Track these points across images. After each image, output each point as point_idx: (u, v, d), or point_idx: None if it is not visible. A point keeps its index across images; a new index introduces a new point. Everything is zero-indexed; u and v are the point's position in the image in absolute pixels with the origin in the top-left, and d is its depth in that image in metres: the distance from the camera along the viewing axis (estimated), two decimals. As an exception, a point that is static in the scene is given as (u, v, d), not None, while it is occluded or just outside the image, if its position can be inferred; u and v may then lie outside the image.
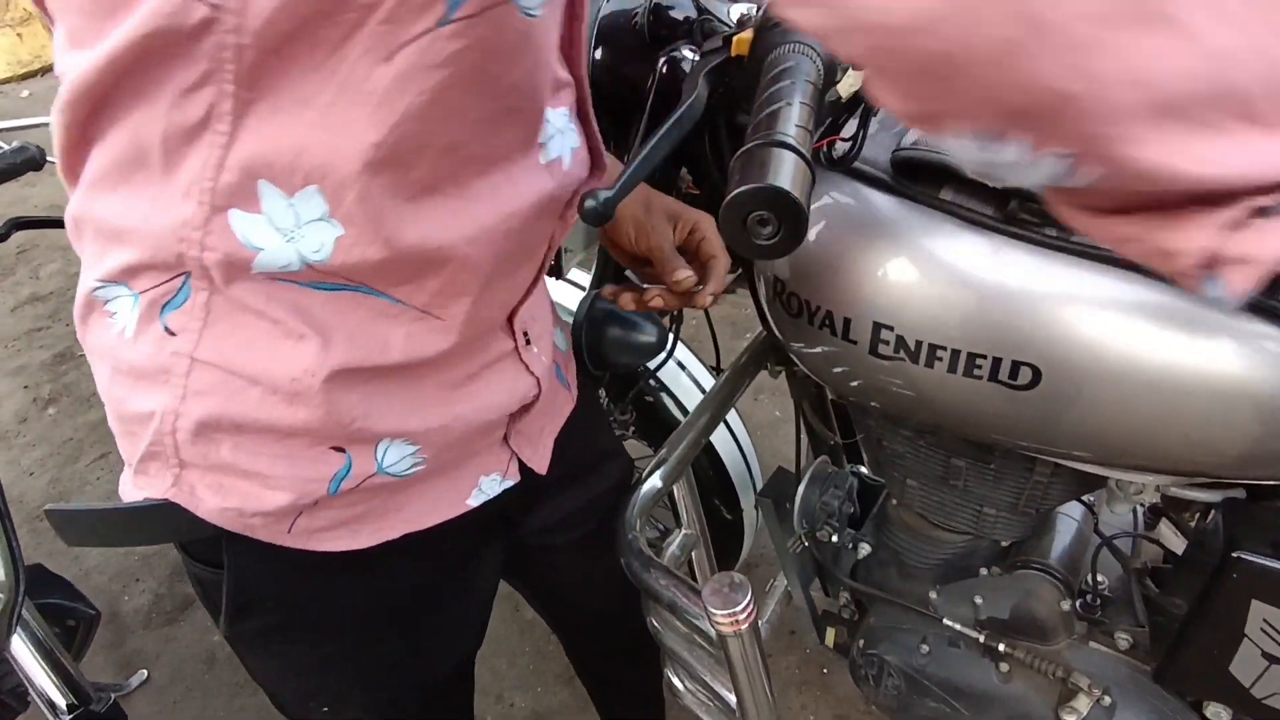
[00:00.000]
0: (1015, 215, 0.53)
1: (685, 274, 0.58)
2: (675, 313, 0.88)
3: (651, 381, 1.07)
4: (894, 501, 0.90)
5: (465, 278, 0.44)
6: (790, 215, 0.32)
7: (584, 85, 0.49)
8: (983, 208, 0.54)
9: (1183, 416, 0.53)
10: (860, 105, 0.50)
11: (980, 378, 0.56)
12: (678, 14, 0.68)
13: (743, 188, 0.32)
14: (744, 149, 0.34)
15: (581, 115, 0.51)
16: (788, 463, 0.99)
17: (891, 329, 0.58)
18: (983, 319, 0.54)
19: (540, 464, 0.62)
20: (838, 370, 0.65)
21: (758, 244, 0.33)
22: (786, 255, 0.34)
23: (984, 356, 0.55)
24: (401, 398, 0.48)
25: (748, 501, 1.17)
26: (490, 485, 0.59)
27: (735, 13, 0.66)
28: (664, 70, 0.66)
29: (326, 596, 0.56)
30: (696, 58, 0.62)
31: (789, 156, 0.32)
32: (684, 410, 1.09)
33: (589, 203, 0.41)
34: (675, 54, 0.66)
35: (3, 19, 5.70)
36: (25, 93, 5.51)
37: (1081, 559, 0.82)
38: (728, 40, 0.50)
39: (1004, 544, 0.84)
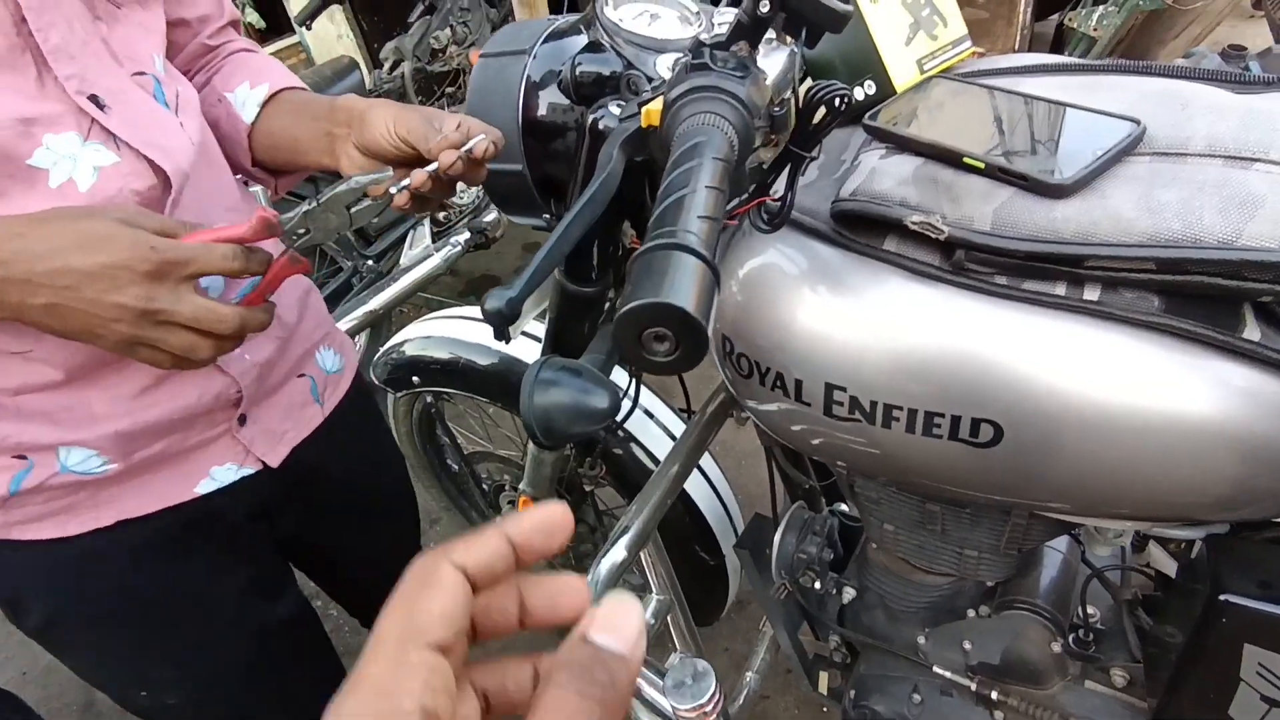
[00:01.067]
0: (962, 264, 0.50)
1: (444, 136, 0.54)
2: (636, 374, 0.85)
3: (619, 432, 1.04)
4: (874, 545, 0.87)
5: (24, 326, 0.48)
6: (689, 333, 0.29)
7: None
8: (928, 258, 0.52)
9: (1156, 463, 0.50)
10: (788, 163, 0.47)
11: (940, 436, 0.53)
12: (604, 69, 0.65)
13: (636, 302, 0.29)
14: (640, 252, 0.31)
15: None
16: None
17: (844, 390, 0.55)
18: (936, 376, 0.52)
19: (273, 459, 0.70)
20: (796, 429, 0.62)
21: (654, 361, 0.30)
22: (688, 369, 0.31)
23: (941, 415, 0.52)
24: (62, 414, 0.55)
25: (730, 545, 1.14)
26: (224, 474, 0.66)
27: (663, 66, 0.64)
28: (589, 134, 0.63)
29: (92, 587, 0.62)
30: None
31: (689, 264, 0.30)
32: (655, 460, 1.06)
33: (490, 303, 0.38)
34: (600, 115, 0.63)
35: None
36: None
37: (1070, 592, 0.79)
38: (643, 106, 0.47)
39: (990, 583, 0.81)
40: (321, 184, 1.95)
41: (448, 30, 2.26)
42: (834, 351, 0.55)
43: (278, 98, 0.70)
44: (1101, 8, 2.44)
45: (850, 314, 0.54)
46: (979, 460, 0.53)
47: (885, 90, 0.62)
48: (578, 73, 0.66)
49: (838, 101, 0.43)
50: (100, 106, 0.53)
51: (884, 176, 0.54)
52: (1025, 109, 0.53)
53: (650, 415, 1.07)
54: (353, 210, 0.56)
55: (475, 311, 1.21)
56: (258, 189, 0.81)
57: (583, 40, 0.68)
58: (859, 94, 0.64)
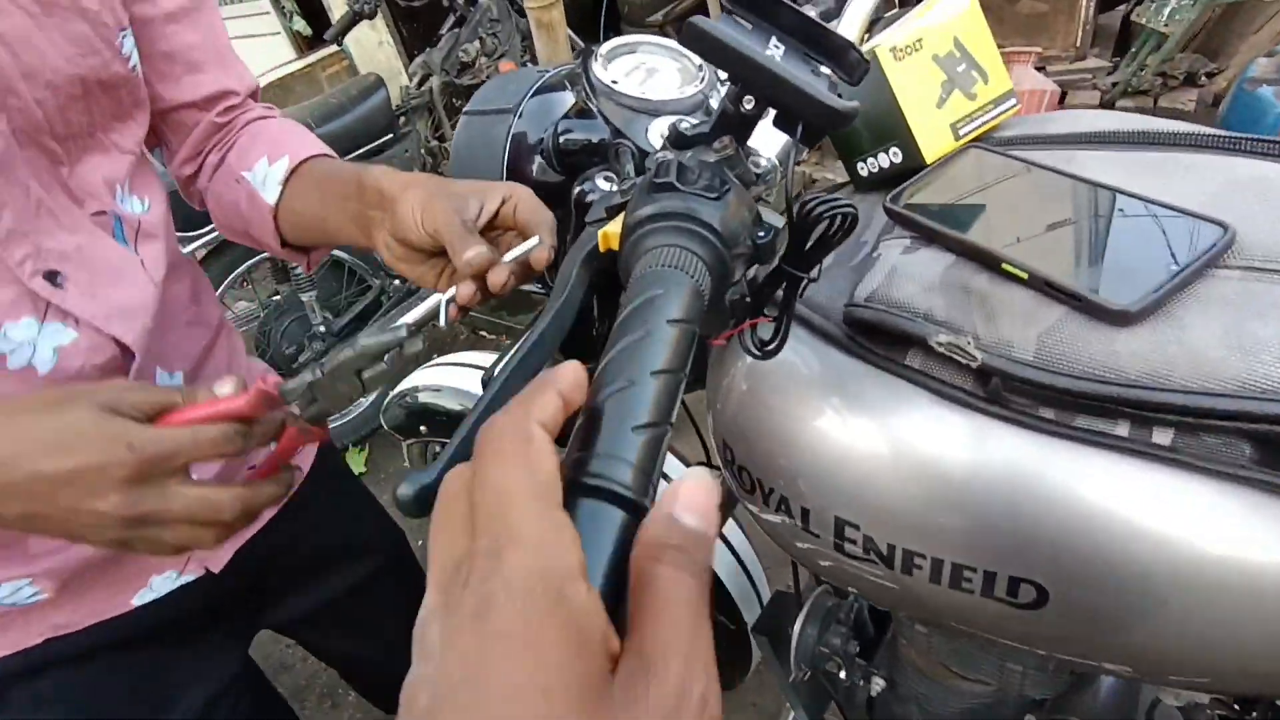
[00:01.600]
0: (999, 394, 0.41)
1: (476, 250, 0.47)
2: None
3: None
4: (904, 641, 0.78)
5: None
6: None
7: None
8: (959, 380, 0.43)
9: (1244, 628, 0.40)
10: (781, 283, 0.39)
11: (971, 592, 0.44)
12: (590, 136, 0.58)
13: None
14: (566, 491, 0.24)
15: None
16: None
17: (857, 527, 0.47)
18: (967, 521, 0.43)
19: (215, 563, 0.66)
20: (804, 550, 0.54)
21: None
22: None
23: (973, 569, 0.44)
24: None
25: (752, 611, 1.06)
26: (163, 583, 0.63)
27: (656, 133, 0.56)
28: (576, 208, 0.56)
29: (48, 696, 0.60)
30: (613, 190, 0.52)
31: (606, 521, 0.22)
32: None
33: (403, 490, 0.31)
34: (587, 189, 0.56)
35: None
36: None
37: (1133, 714, 0.69)
38: (614, 211, 0.40)
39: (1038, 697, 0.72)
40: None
41: (476, 43, 2.21)
42: (846, 480, 0.47)
43: (301, 172, 0.64)
44: (1174, 1, 2.25)
45: (866, 437, 0.46)
46: (1019, 621, 0.44)
47: (912, 160, 0.53)
48: (561, 141, 0.59)
49: (839, 220, 0.35)
50: (56, 283, 0.51)
51: (906, 280, 0.45)
52: (1081, 199, 0.44)
53: (665, 477, 1.00)
54: (365, 376, 0.46)
55: (477, 357, 1.15)
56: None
57: (570, 99, 0.61)
58: (881, 162, 0.55)
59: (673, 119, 0.57)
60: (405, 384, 1.23)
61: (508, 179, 0.63)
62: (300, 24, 4.78)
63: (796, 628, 0.81)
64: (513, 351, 0.35)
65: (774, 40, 0.38)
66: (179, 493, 0.43)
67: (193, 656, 0.68)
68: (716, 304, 0.35)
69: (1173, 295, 0.38)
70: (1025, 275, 0.41)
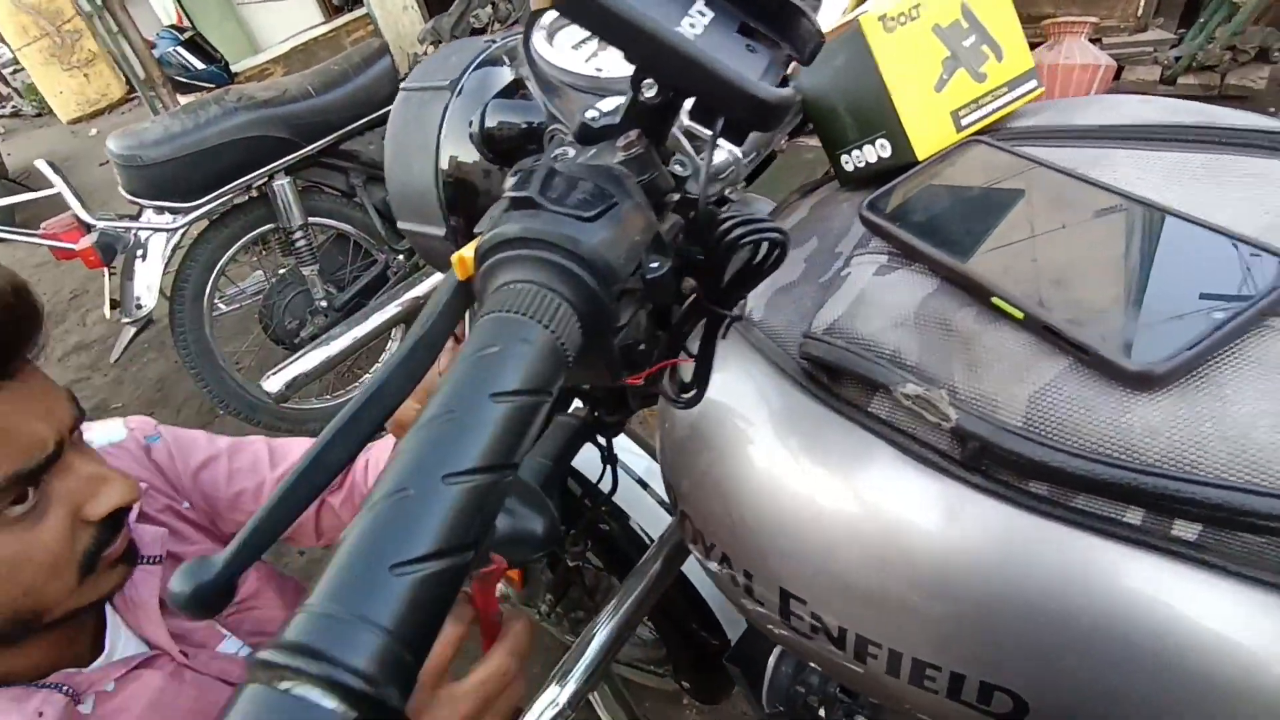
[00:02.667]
0: (978, 461, 0.33)
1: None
2: (609, 452, 0.71)
3: (604, 506, 0.90)
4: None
5: None
6: None
7: None
8: (932, 437, 0.35)
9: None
10: (701, 320, 0.31)
11: (935, 692, 0.36)
12: (521, 119, 0.49)
13: None
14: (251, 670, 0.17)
15: None
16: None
17: (804, 602, 0.39)
18: (933, 613, 0.35)
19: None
20: (752, 613, 0.46)
21: None
22: None
23: (936, 668, 0.36)
24: None
25: (736, 630, 0.99)
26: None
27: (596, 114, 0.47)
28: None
29: None
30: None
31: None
32: (650, 536, 0.91)
33: (176, 584, 0.24)
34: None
35: (69, 61, 5.96)
36: (93, 131, 5.75)
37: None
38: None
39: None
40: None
41: (489, 7, 2.11)
42: (795, 545, 0.39)
43: None
44: (1250, -33, 2.04)
45: (821, 495, 0.38)
46: (994, 729, 0.36)
47: (903, 155, 0.44)
48: (490, 124, 0.50)
49: (765, 249, 0.27)
50: None
51: (875, 308, 0.36)
52: (1104, 215, 0.34)
53: (645, 486, 0.93)
54: None
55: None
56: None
57: (508, 75, 0.53)
58: (868, 156, 0.46)
59: (617, 102, 0.48)
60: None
61: (443, 164, 0.55)
62: (328, -13, 4.72)
63: (770, 663, 0.74)
64: (350, 406, 0.28)
65: (699, 5, 0.29)
66: None
67: None
68: (599, 354, 0.27)
69: (1212, 354, 0.28)
70: (1021, 315, 0.32)
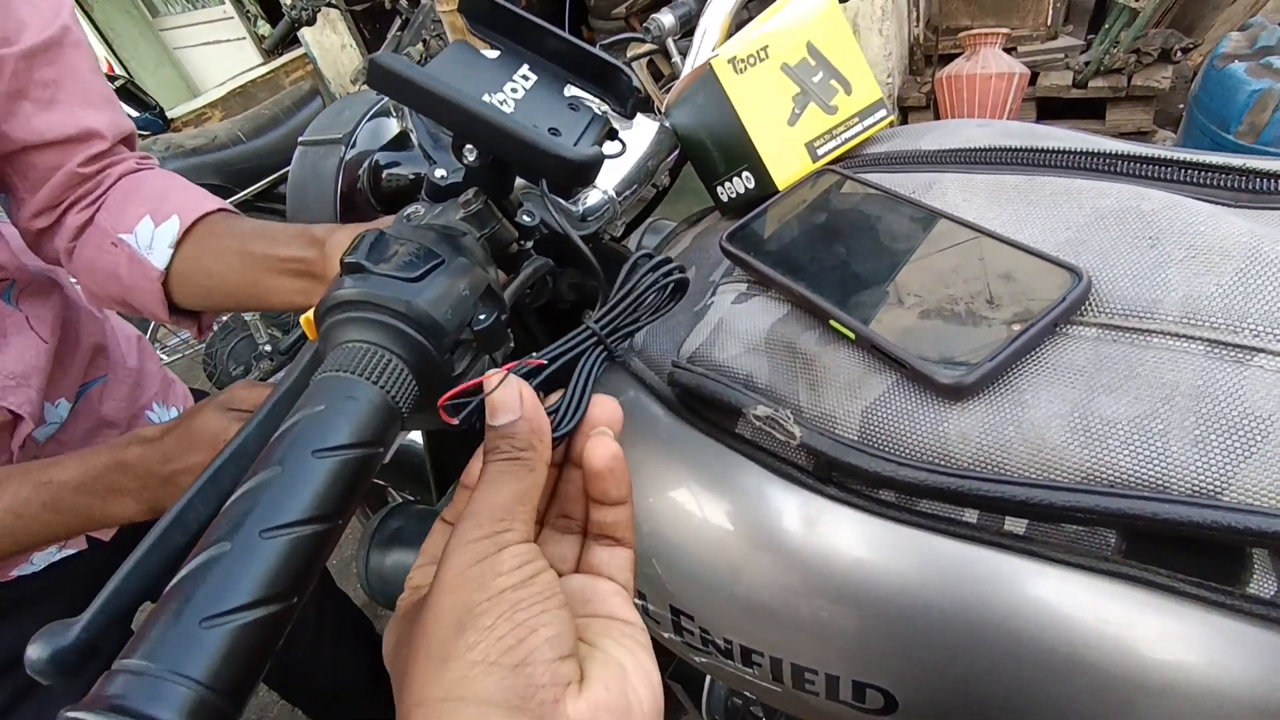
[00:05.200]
0: (828, 474, 0.35)
1: None
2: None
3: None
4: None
5: None
6: None
7: None
8: (790, 455, 0.37)
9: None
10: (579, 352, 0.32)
11: (815, 694, 0.38)
12: (407, 170, 0.51)
13: None
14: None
15: None
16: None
17: (691, 618, 0.41)
18: (804, 618, 0.37)
19: (105, 533, 0.68)
20: (653, 631, 0.47)
21: None
22: None
23: (814, 671, 0.38)
24: None
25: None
26: (43, 558, 0.65)
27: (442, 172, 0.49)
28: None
29: None
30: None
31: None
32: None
33: (34, 650, 0.25)
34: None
35: None
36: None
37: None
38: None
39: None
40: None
41: (420, 45, 2.13)
42: (677, 565, 0.41)
43: (199, 232, 0.58)
44: (1145, -25, 2.16)
45: (699, 514, 0.40)
46: (874, 726, 0.38)
47: (765, 186, 0.46)
48: (382, 177, 0.52)
49: (657, 295, 0.29)
50: None
51: (732, 336, 0.39)
52: (926, 236, 0.37)
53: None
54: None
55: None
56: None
57: (394, 127, 0.55)
58: (738, 187, 0.49)
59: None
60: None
61: (343, 215, 0.57)
62: (265, 28, 4.70)
63: (708, 678, 0.76)
64: (211, 466, 0.29)
65: (524, 69, 0.31)
66: None
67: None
68: (430, 404, 0.28)
69: (1013, 363, 0.31)
70: (853, 335, 0.34)
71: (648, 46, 0.61)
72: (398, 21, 2.26)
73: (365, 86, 2.25)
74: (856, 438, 0.33)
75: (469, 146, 0.29)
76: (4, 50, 0.54)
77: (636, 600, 0.45)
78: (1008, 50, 2.44)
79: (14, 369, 0.59)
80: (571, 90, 0.32)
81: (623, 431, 0.44)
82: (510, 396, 0.26)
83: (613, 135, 0.32)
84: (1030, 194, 0.38)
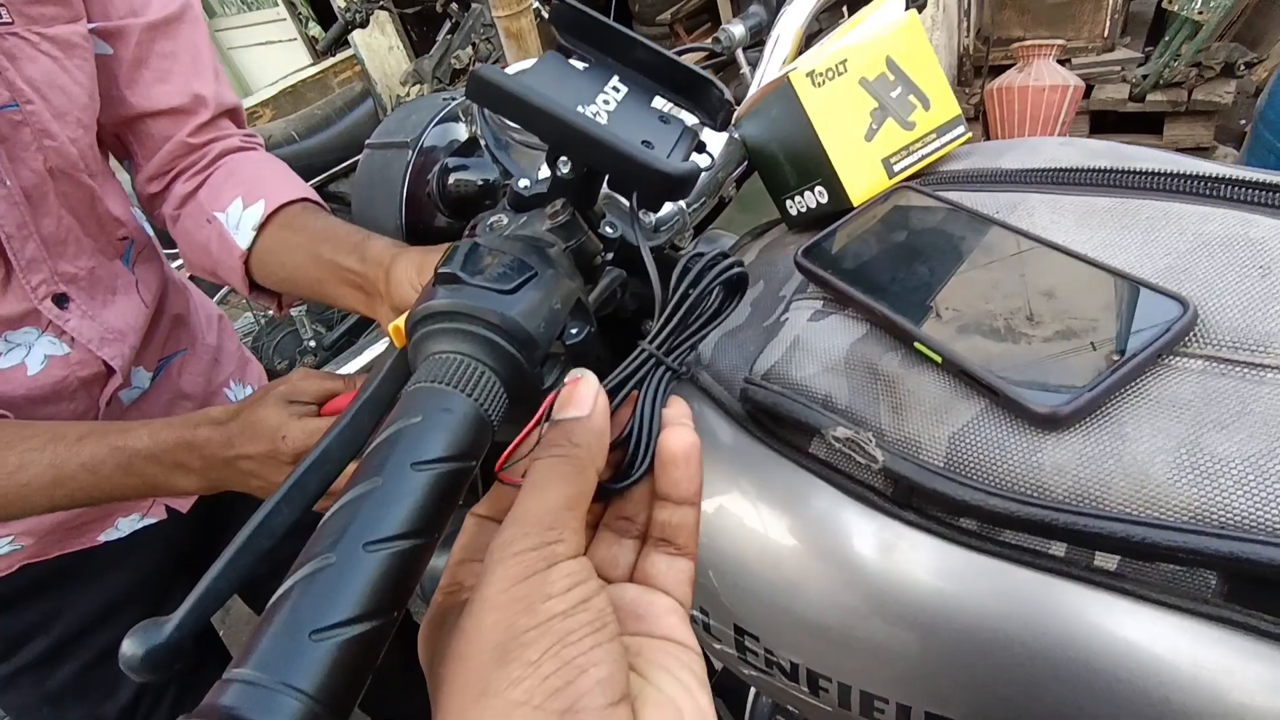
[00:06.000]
0: (908, 499, 0.34)
1: None
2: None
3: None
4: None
5: None
6: None
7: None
8: (868, 478, 0.36)
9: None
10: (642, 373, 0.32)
11: (886, 726, 0.37)
12: (476, 177, 0.51)
13: None
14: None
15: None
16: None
17: (756, 639, 0.40)
18: (876, 644, 0.36)
19: (184, 503, 0.73)
20: (718, 652, 0.47)
21: None
22: None
23: (884, 700, 0.37)
24: None
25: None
26: (128, 524, 0.70)
27: (545, 170, 0.49)
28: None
29: (26, 617, 0.66)
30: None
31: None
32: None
33: (128, 647, 0.25)
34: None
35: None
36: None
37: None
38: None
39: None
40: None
41: (470, 48, 2.16)
42: (743, 585, 0.40)
43: (282, 220, 0.61)
44: (1209, -13, 2.10)
45: (764, 536, 0.39)
46: (945, 759, 0.37)
47: (839, 202, 0.46)
48: (449, 181, 0.52)
49: (715, 296, 0.29)
50: (62, 305, 0.59)
51: (809, 354, 0.38)
52: (1015, 259, 0.36)
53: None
54: None
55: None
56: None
57: (463, 132, 0.55)
58: (809, 202, 0.48)
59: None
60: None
61: (408, 218, 0.57)
62: (315, 29, 4.80)
63: (751, 693, 0.75)
64: (295, 471, 0.29)
65: (614, 81, 0.31)
66: None
67: (154, 591, 0.74)
68: (524, 416, 0.28)
69: (1114, 394, 0.30)
70: (939, 359, 0.33)
71: (700, 54, 0.61)
72: (447, 25, 2.29)
73: (413, 89, 2.29)
74: (943, 464, 0.32)
75: (563, 158, 0.29)
76: (131, 21, 0.59)
77: (694, 613, 0.44)
78: (1061, 62, 2.38)
79: (115, 325, 0.63)
80: (660, 102, 0.32)
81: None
82: (586, 393, 0.25)
83: (700, 148, 0.32)
84: (1124, 218, 0.37)
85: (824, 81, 0.44)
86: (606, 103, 0.30)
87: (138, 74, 0.61)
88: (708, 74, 0.32)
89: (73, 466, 0.50)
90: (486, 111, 0.52)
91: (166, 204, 0.67)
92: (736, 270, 0.30)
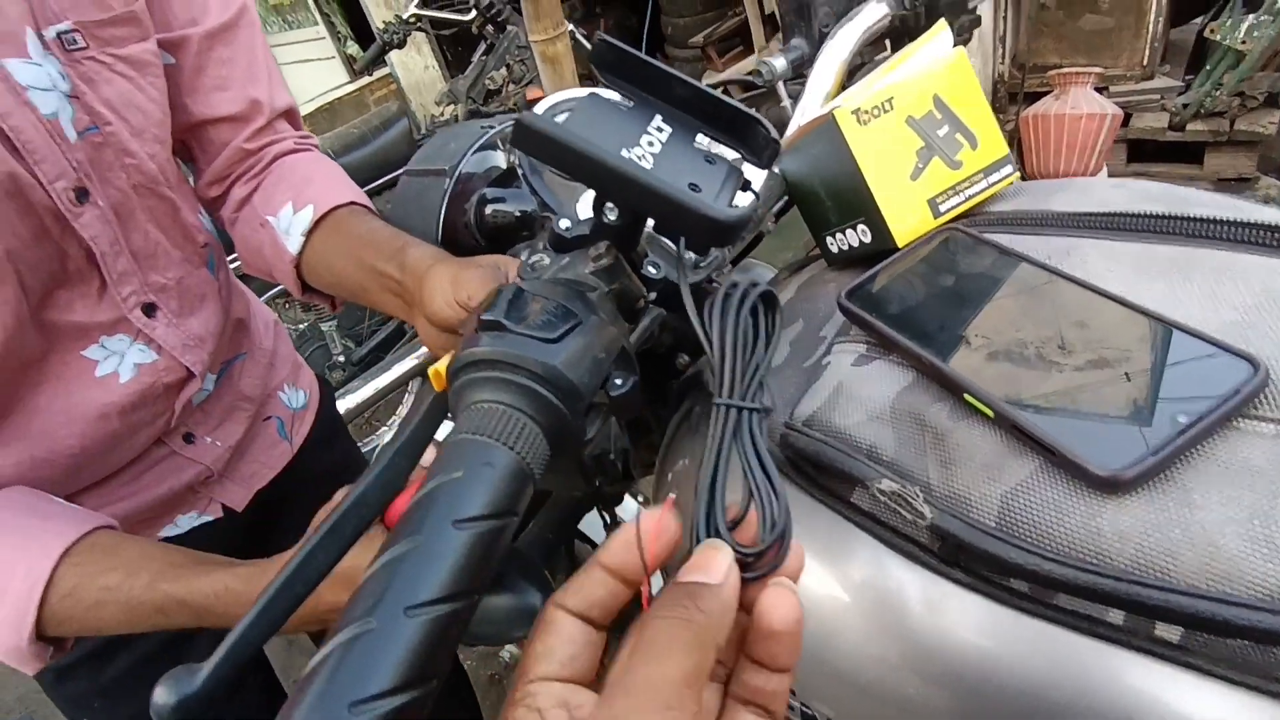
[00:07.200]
0: (957, 557, 0.33)
1: None
2: (612, 520, 0.71)
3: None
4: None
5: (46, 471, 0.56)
6: None
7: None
8: (913, 532, 0.35)
9: None
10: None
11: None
12: (514, 208, 0.51)
13: None
14: None
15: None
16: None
17: (793, 693, 0.39)
18: (918, 705, 0.34)
19: (239, 503, 0.74)
20: None
21: None
22: None
23: (930, 766, 0.35)
24: None
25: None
26: (186, 520, 0.71)
27: (585, 205, 0.49)
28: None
29: None
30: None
31: None
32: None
33: (160, 696, 0.25)
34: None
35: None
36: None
37: None
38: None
39: None
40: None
41: (504, 70, 2.19)
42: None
43: (331, 224, 0.63)
44: (1253, 16, 2.07)
45: (804, 586, 0.38)
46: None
47: (882, 242, 0.45)
48: (487, 212, 0.52)
49: (756, 324, 0.28)
50: (150, 314, 0.61)
51: (853, 401, 0.37)
52: (1072, 310, 0.35)
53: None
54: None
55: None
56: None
57: (501, 161, 0.55)
58: (851, 240, 0.47)
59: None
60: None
61: (444, 246, 0.57)
62: (354, 48, 4.90)
63: None
64: (332, 515, 0.29)
65: (657, 120, 0.31)
66: None
67: None
68: (569, 465, 0.27)
69: (1180, 458, 0.29)
70: (991, 413, 0.32)
71: (740, 86, 0.61)
72: (482, 46, 2.33)
73: (448, 109, 2.32)
74: (995, 524, 0.31)
75: (610, 205, 0.29)
76: (190, 31, 0.60)
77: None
78: (1099, 90, 2.35)
79: (196, 331, 0.65)
80: (703, 140, 0.32)
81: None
82: (721, 563, 0.23)
83: (746, 187, 0.32)
84: (1185, 268, 0.35)
85: (870, 119, 0.43)
86: (651, 144, 0.29)
87: (198, 81, 0.63)
88: (754, 112, 0.31)
89: (143, 613, 0.50)
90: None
91: (225, 207, 0.69)
92: (762, 290, 0.29)
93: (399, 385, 1.98)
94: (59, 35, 0.52)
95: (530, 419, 0.25)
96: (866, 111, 0.43)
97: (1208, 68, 2.34)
